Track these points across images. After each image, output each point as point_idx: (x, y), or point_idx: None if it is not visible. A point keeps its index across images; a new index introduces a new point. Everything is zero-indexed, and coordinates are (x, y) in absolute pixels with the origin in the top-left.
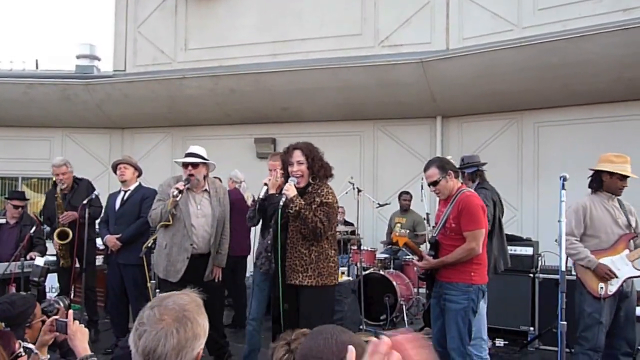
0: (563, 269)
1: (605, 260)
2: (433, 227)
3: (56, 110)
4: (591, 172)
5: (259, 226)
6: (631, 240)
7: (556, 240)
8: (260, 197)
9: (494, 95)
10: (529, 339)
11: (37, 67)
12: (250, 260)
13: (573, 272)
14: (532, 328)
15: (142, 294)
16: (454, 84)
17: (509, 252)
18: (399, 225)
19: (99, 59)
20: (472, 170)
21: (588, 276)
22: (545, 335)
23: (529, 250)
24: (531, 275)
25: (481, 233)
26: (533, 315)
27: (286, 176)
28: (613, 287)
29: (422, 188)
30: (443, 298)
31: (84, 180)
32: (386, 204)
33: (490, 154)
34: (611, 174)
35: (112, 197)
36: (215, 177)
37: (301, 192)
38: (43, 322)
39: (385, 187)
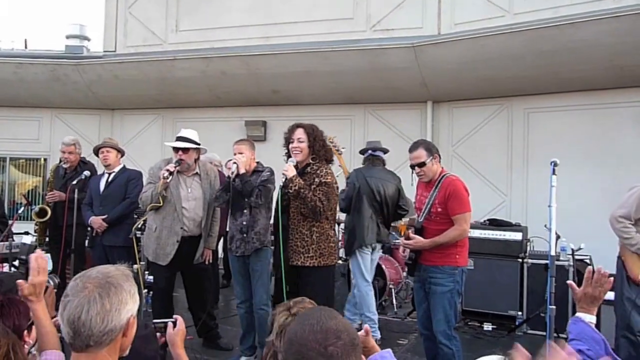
0: (552, 253)
1: None
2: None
3: (45, 90)
4: None
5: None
6: None
7: (546, 226)
8: (230, 175)
9: (485, 80)
10: (517, 323)
11: (26, 47)
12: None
13: (561, 258)
14: (520, 312)
15: None
16: (445, 69)
17: (499, 237)
18: None
19: (88, 40)
20: (367, 155)
21: (632, 261)
22: (533, 320)
23: (517, 236)
24: (520, 260)
25: (469, 215)
26: (521, 300)
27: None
28: None
29: (412, 172)
30: (429, 282)
31: (89, 164)
32: None
33: (480, 140)
34: None
35: (95, 179)
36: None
37: (301, 172)
38: None
39: None
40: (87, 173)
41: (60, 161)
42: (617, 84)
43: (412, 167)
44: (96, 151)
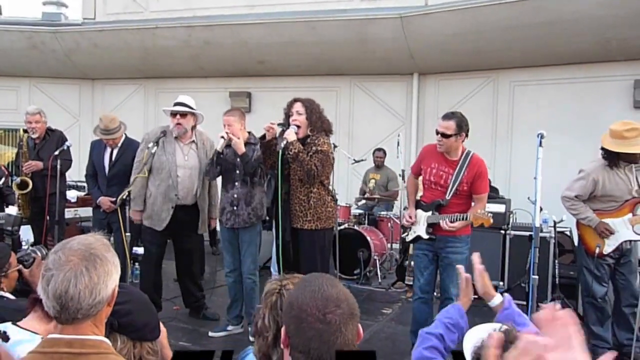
0: (537, 224)
1: (607, 222)
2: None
3: (22, 58)
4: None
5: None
6: (637, 205)
7: (529, 198)
8: (218, 150)
9: (472, 53)
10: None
11: (0, 13)
12: None
13: (544, 230)
14: (501, 283)
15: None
16: (432, 41)
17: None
18: (373, 181)
19: (66, 6)
20: None
21: (587, 233)
22: (514, 290)
23: (501, 208)
24: (502, 231)
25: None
26: (503, 271)
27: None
28: (609, 248)
29: (398, 144)
30: (445, 251)
31: (57, 131)
32: (362, 160)
33: (466, 112)
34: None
35: (97, 147)
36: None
37: (301, 142)
38: (19, 271)
39: (361, 144)
40: (69, 143)
41: (27, 131)
42: (604, 58)
43: (440, 134)
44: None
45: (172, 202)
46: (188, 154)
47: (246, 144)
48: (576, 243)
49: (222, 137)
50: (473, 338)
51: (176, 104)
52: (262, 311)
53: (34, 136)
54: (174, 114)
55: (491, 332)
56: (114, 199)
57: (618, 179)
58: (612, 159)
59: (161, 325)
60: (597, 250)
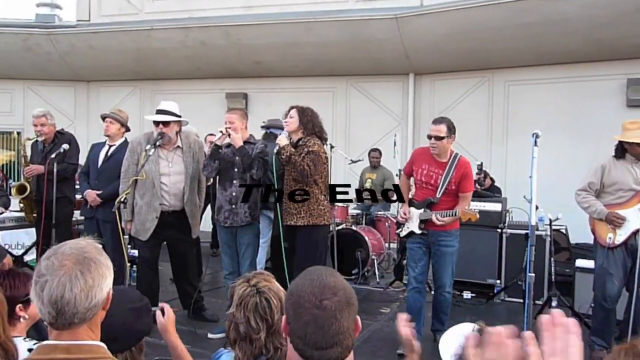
0: (533, 223)
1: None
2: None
3: (17, 60)
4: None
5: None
6: None
7: (525, 197)
8: (217, 143)
9: (467, 53)
10: (495, 291)
11: None
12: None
13: (540, 228)
14: (498, 281)
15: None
16: (427, 41)
17: (479, 208)
18: (369, 181)
19: (60, 8)
20: (264, 132)
21: (599, 226)
22: (511, 288)
23: (497, 207)
24: (499, 230)
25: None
26: (499, 269)
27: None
28: (621, 237)
29: (394, 144)
30: (437, 244)
31: (67, 134)
32: (359, 160)
33: (461, 112)
34: (629, 142)
35: (96, 147)
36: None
37: (294, 145)
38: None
39: (358, 144)
40: (65, 146)
41: (37, 135)
42: (596, 57)
43: (430, 137)
44: (103, 119)
45: (157, 212)
46: (172, 160)
47: (246, 142)
48: (572, 242)
49: (221, 131)
50: (450, 345)
51: (158, 112)
52: (244, 315)
53: (40, 139)
54: (157, 123)
55: (466, 335)
56: (99, 192)
57: (624, 168)
58: (618, 149)
59: (169, 310)
60: (609, 242)
